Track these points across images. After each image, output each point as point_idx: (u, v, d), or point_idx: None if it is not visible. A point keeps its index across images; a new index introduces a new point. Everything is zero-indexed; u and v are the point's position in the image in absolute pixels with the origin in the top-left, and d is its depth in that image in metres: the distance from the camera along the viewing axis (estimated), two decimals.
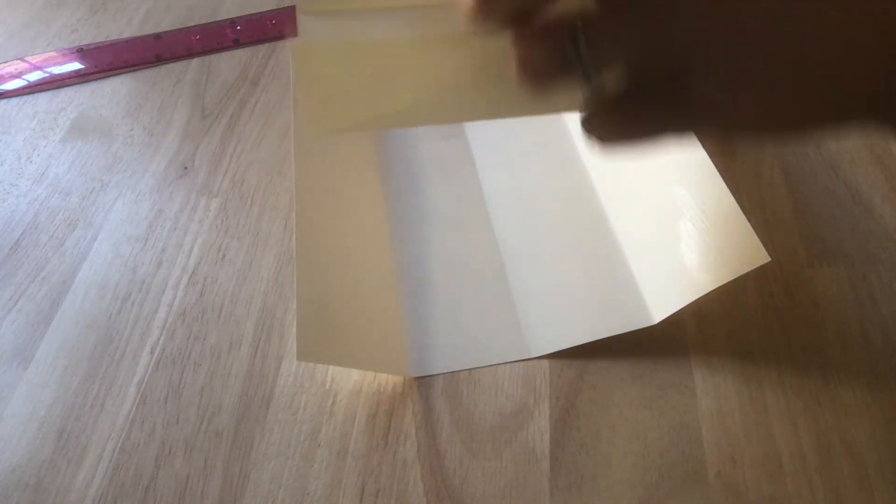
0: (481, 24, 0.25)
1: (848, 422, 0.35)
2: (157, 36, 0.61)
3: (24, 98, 0.57)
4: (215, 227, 0.46)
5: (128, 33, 0.62)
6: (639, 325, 0.37)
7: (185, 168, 0.50)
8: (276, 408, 0.37)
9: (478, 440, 0.35)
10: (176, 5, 0.64)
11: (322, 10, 0.34)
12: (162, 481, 0.35)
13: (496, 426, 0.35)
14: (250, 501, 0.34)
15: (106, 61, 0.59)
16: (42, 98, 0.56)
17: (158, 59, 0.59)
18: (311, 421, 0.36)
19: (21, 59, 0.60)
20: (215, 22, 0.62)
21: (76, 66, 0.58)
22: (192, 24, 0.62)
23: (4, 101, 0.56)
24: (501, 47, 0.28)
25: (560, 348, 0.38)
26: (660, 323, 0.37)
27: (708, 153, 0.43)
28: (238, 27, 0.61)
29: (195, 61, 0.58)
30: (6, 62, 0.60)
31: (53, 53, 0.60)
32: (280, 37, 0.60)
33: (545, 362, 0.38)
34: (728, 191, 0.40)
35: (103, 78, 0.58)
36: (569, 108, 0.28)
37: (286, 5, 0.63)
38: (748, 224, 0.36)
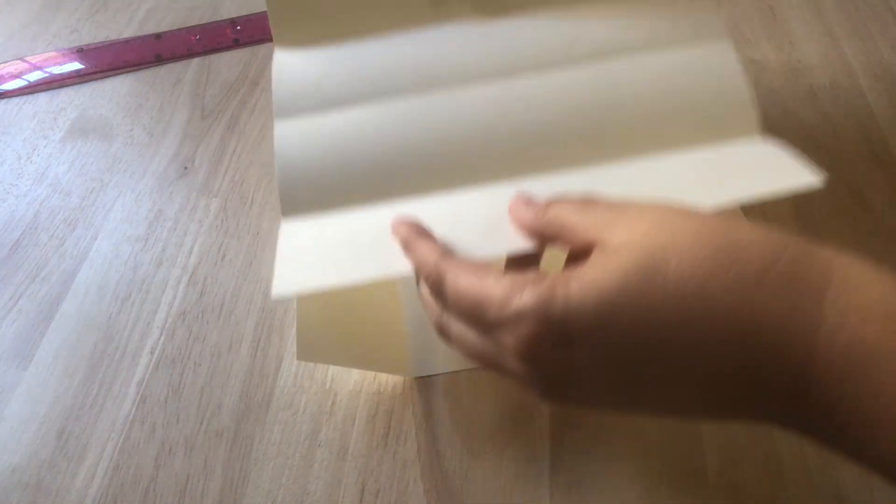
0: None
1: None
2: (157, 36, 0.61)
3: (24, 98, 0.57)
4: (215, 227, 0.46)
5: (128, 33, 0.62)
6: None
7: (185, 168, 0.50)
8: (276, 408, 0.37)
9: (478, 440, 0.35)
10: (176, 5, 0.64)
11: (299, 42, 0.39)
12: (162, 481, 0.35)
13: (496, 426, 0.35)
14: (250, 501, 0.34)
15: (106, 61, 0.59)
16: (42, 98, 0.56)
17: (158, 59, 0.59)
18: (311, 421, 0.36)
19: (21, 59, 0.60)
20: (215, 22, 0.62)
21: (76, 66, 0.58)
22: (192, 24, 0.62)
23: (4, 101, 0.56)
24: None
25: None
26: None
27: None
28: (238, 27, 0.61)
29: (195, 61, 0.58)
30: (6, 62, 0.60)
31: (53, 53, 0.60)
32: None
33: None
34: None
35: (103, 78, 0.58)
36: None
37: None
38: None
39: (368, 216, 0.35)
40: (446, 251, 0.30)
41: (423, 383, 0.37)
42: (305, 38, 0.40)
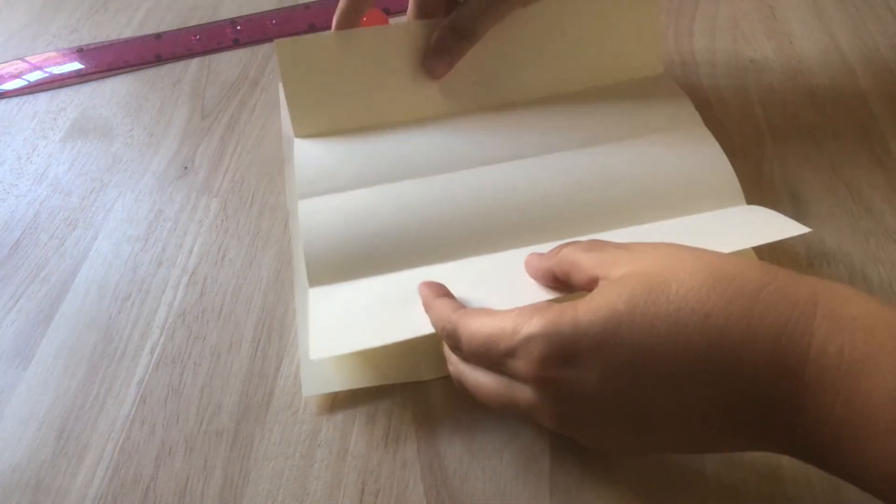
0: None
1: None
2: (157, 36, 0.61)
3: (24, 98, 0.57)
4: (215, 227, 0.46)
5: (128, 33, 0.62)
6: None
7: (185, 168, 0.50)
8: (276, 408, 0.37)
9: (478, 440, 0.35)
10: (176, 5, 0.64)
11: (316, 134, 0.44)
12: (162, 481, 0.35)
13: (496, 426, 0.35)
14: (250, 501, 0.34)
15: (106, 61, 0.59)
16: (42, 98, 0.56)
17: (158, 59, 0.59)
18: (311, 421, 0.36)
19: (21, 59, 0.60)
20: (215, 22, 0.62)
21: (76, 66, 0.58)
22: (192, 24, 0.62)
23: (4, 101, 0.56)
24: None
25: None
26: None
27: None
28: (238, 27, 0.61)
29: (195, 61, 0.58)
30: (6, 62, 0.60)
31: (53, 53, 0.60)
32: (280, 37, 0.60)
33: None
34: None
35: (103, 78, 0.58)
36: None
37: (286, 5, 0.63)
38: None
39: (390, 283, 0.38)
40: (460, 305, 0.33)
41: (423, 384, 0.37)
42: (322, 131, 0.44)
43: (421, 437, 0.35)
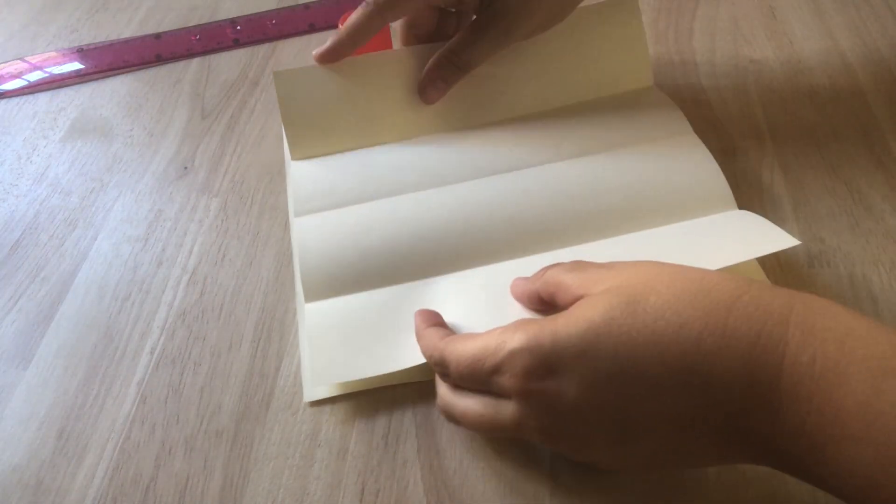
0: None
1: None
2: (157, 36, 0.61)
3: (24, 98, 0.57)
4: (215, 227, 0.46)
5: (128, 33, 0.62)
6: None
7: (185, 168, 0.50)
8: (276, 408, 0.37)
9: (478, 440, 0.35)
10: (176, 5, 0.64)
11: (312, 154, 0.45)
12: (162, 481, 0.35)
13: None
14: (250, 501, 0.34)
15: (106, 61, 0.59)
16: (42, 98, 0.56)
17: (158, 59, 0.59)
18: (311, 421, 0.36)
19: (21, 59, 0.60)
20: (215, 22, 0.62)
21: (76, 66, 0.58)
22: (192, 24, 0.62)
23: (4, 101, 0.56)
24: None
25: None
26: None
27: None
28: (238, 27, 0.61)
29: (195, 61, 0.58)
30: (6, 62, 0.60)
31: (53, 53, 0.60)
32: (280, 37, 0.60)
33: None
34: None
35: (103, 78, 0.58)
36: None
37: (286, 5, 0.63)
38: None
39: (384, 297, 0.39)
40: (448, 333, 0.34)
41: (423, 384, 0.37)
42: (319, 153, 0.45)
43: (421, 437, 0.35)
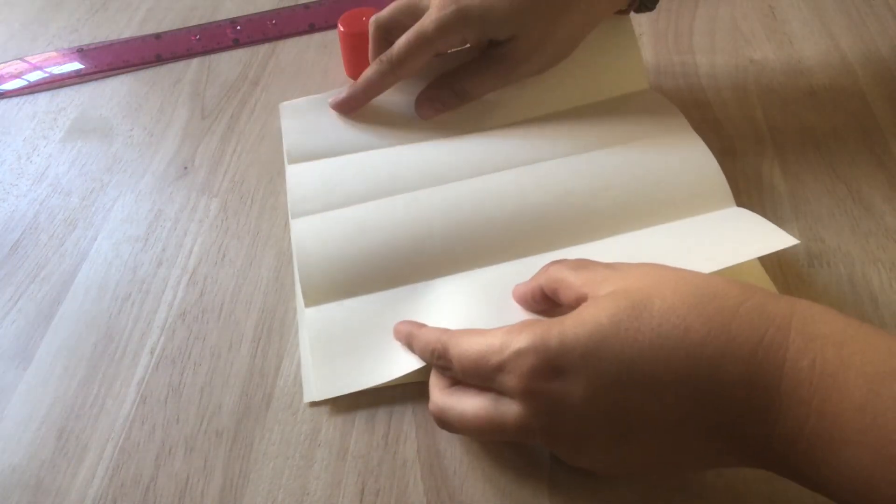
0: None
1: None
2: (157, 36, 0.61)
3: (24, 98, 0.57)
4: (215, 227, 0.46)
5: (128, 33, 0.62)
6: None
7: (185, 168, 0.50)
8: (276, 408, 0.37)
9: (478, 440, 0.35)
10: (176, 5, 0.64)
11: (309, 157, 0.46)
12: (162, 481, 0.35)
13: None
14: (250, 501, 0.34)
15: (106, 61, 0.59)
16: (42, 98, 0.56)
17: (158, 59, 0.59)
18: (311, 421, 0.36)
19: (21, 59, 0.60)
20: (215, 22, 0.62)
21: (76, 66, 0.58)
22: (192, 24, 0.62)
23: (4, 101, 0.56)
24: None
25: None
26: None
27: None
28: (238, 27, 0.61)
29: (195, 61, 0.58)
30: (6, 62, 0.60)
31: (53, 53, 0.60)
32: (280, 37, 0.60)
33: None
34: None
35: (103, 78, 0.58)
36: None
37: (286, 5, 0.63)
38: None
39: (384, 301, 0.39)
40: (446, 329, 0.34)
41: (423, 384, 0.37)
42: (315, 155, 0.46)
43: (421, 437, 0.35)
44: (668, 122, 0.45)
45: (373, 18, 0.47)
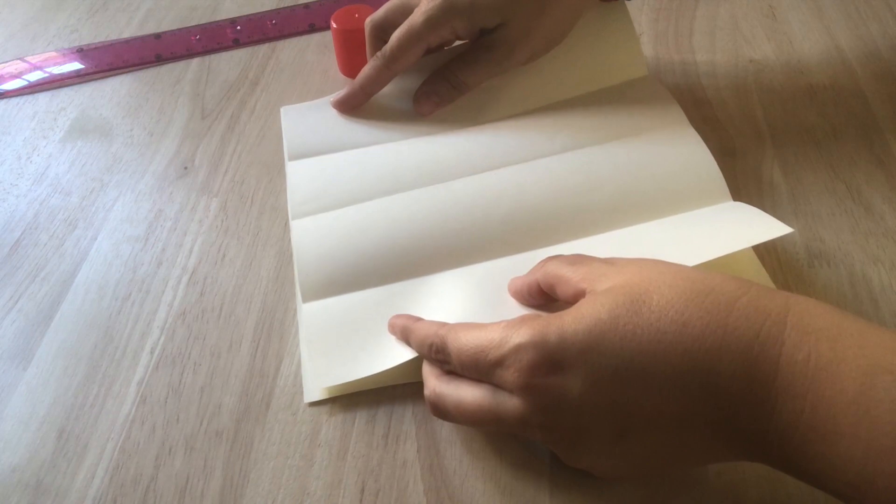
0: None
1: None
2: (157, 36, 0.61)
3: (24, 98, 0.57)
4: (215, 227, 0.46)
5: (128, 33, 0.62)
6: None
7: (185, 168, 0.50)
8: (276, 408, 0.37)
9: (478, 440, 0.35)
10: (176, 5, 0.64)
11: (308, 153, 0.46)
12: (162, 481, 0.35)
13: None
14: (250, 501, 0.34)
15: (106, 61, 0.59)
16: (42, 98, 0.56)
17: (158, 59, 0.59)
18: (311, 421, 0.36)
19: (21, 59, 0.60)
20: (215, 22, 0.62)
21: (76, 66, 0.58)
22: (192, 24, 0.62)
23: (4, 101, 0.56)
24: None
25: None
26: None
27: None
28: (238, 27, 0.61)
29: (195, 61, 0.58)
30: (6, 62, 0.60)
31: (53, 53, 0.60)
32: (280, 37, 0.60)
33: None
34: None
35: (103, 78, 0.58)
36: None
37: (286, 5, 0.63)
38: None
39: (380, 296, 0.39)
40: (444, 323, 0.34)
41: (423, 383, 0.37)
42: (315, 152, 0.46)
43: (421, 437, 0.35)
44: (665, 116, 0.45)
45: (368, 19, 0.48)
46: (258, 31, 0.60)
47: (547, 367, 0.28)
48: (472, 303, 0.37)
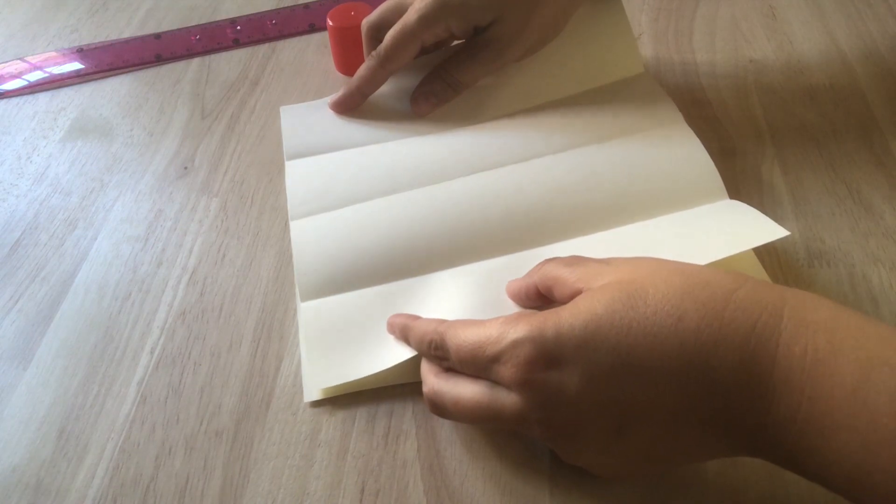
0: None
1: None
2: (157, 36, 0.61)
3: (24, 98, 0.57)
4: (215, 227, 0.46)
5: (128, 33, 0.62)
6: None
7: (185, 168, 0.50)
8: (276, 408, 0.37)
9: (478, 440, 0.35)
10: (176, 5, 0.64)
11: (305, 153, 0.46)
12: (162, 481, 0.35)
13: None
14: (250, 501, 0.34)
15: (106, 61, 0.59)
16: (42, 98, 0.56)
17: (158, 59, 0.59)
18: (311, 421, 0.36)
19: (21, 59, 0.60)
20: (215, 22, 0.62)
21: (76, 66, 0.58)
22: (192, 24, 0.62)
23: (4, 101, 0.56)
24: None
25: None
26: None
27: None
28: (238, 27, 0.61)
29: (195, 61, 0.58)
30: (6, 62, 0.60)
31: (53, 53, 0.60)
32: (280, 37, 0.60)
33: None
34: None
35: (103, 78, 0.58)
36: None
37: (286, 5, 0.63)
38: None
39: (378, 296, 0.39)
40: (442, 320, 0.34)
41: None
42: (314, 151, 0.46)
43: (421, 437, 0.35)
44: (661, 115, 0.45)
45: (364, 20, 0.48)
46: (258, 31, 0.60)
47: (544, 362, 0.28)
48: (470, 301, 0.37)
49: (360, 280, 0.39)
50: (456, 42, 0.48)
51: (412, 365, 0.36)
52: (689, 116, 0.45)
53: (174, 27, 0.62)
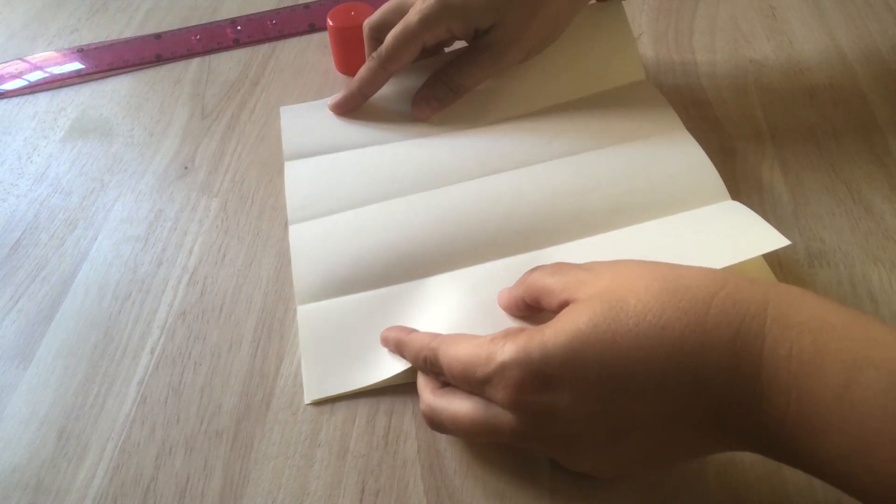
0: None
1: None
2: (157, 36, 0.61)
3: (24, 98, 0.57)
4: (215, 227, 0.46)
5: (128, 33, 0.62)
6: None
7: (185, 168, 0.50)
8: (276, 408, 0.37)
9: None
10: (176, 5, 0.64)
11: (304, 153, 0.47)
12: (162, 481, 0.35)
13: None
14: (250, 501, 0.34)
15: (106, 61, 0.59)
16: (42, 98, 0.56)
17: (158, 59, 0.59)
18: (311, 421, 0.36)
19: (21, 59, 0.60)
20: (215, 22, 0.62)
21: (76, 66, 0.58)
22: (192, 24, 0.62)
23: (4, 101, 0.56)
24: None
25: None
26: None
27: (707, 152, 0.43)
28: (238, 27, 0.61)
29: (195, 61, 0.58)
30: (6, 62, 0.60)
31: (53, 53, 0.60)
32: (280, 37, 0.60)
33: None
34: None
35: (103, 78, 0.58)
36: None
37: (286, 5, 0.63)
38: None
39: (375, 300, 0.39)
40: (436, 335, 0.34)
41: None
42: (313, 152, 0.47)
43: (421, 437, 0.35)
44: (660, 121, 0.45)
45: (365, 22, 0.48)
46: (258, 31, 0.60)
47: (533, 384, 0.29)
48: (467, 305, 0.37)
49: (358, 283, 0.40)
50: (457, 45, 0.48)
51: (411, 367, 0.36)
52: (689, 116, 0.45)
53: (174, 27, 0.62)
